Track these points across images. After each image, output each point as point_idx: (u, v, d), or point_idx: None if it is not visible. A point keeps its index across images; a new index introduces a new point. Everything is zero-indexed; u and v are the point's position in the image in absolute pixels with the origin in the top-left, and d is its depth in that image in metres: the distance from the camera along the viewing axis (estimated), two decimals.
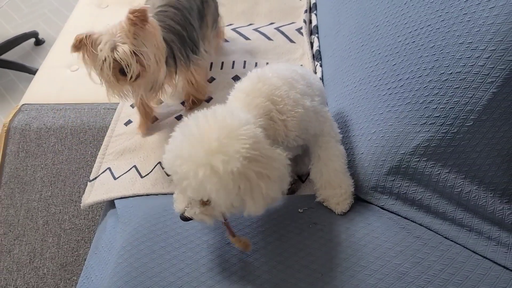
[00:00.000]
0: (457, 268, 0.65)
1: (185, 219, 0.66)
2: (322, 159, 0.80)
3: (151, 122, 1.14)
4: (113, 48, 0.85)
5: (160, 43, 0.91)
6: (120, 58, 0.85)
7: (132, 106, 1.20)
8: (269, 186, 0.62)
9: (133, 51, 0.86)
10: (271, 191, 0.63)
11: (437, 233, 0.72)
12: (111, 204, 0.97)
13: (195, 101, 1.16)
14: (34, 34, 2.30)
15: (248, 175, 0.60)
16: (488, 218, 0.68)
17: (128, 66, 0.87)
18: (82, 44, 0.87)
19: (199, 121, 0.63)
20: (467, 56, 0.65)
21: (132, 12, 0.85)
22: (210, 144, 0.59)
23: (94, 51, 0.86)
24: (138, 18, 0.86)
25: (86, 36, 0.86)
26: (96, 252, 0.88)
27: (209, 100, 1.19)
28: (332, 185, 0.79)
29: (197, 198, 0.62)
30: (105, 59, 0.86)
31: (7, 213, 1.13)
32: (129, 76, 0.88)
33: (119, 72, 0.89)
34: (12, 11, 2.56)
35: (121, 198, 0.96)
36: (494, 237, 0.67)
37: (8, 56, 2.22)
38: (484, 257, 0.67)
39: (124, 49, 0.85)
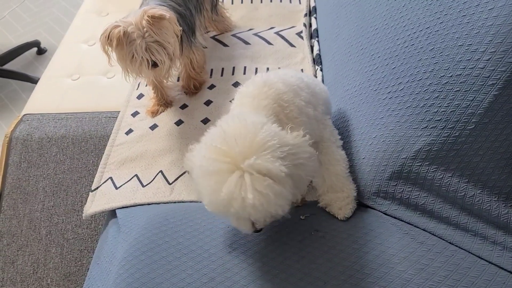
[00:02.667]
0: (463, 274, 0.64)
1: (258, 231, 0.68)
2: (324, 164, 0.80)
3: (165, 107, 1.18)
4: (147, 48, 0.92)
5: (177, 30, 0.96)
6: (156, 59, 0.93)
7: (138, 98, 1.25)
8: (305, 170, 0.64)
9: (162, 46, 0.93)
10: (309, 172, 0.66)
11: (441, 239, 0.71)
12: (113, 213, 0.97)
13: (197, 85, 1.20)
14: (36, 43, 2.31)
15: (289, 172, 0.60)
16: (493, 223, 0.67)
17: (162, 63, 0.95)
18: (118, 41, 0.91)
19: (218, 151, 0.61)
20: (467, 59, 0.64)
21: (151, 16, 0.90)
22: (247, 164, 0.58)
23: (125, 45, 0.92)
24: (156, 18, 0.91)
25: (123, 33, 0.90)
26: (98, 262, 0.88)
27: (211, 87, 1.22)
28: (334, 189, 0.79)
29: (267, 217, 0.63)
30: (142, 58, 0.93)
31: (10, 224, 1.13)
32: (162, 67, 0.96)
33: (151, 65, 0.95)
34: (14, 21, 2.58)
35: (123, 207, 0.95)
36: (499, 242, 0.66)
37: (11, 65, 2.23)
38: (490, 262, 0.66)
39: (158, 50, 0.92)
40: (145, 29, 0.91)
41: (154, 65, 0.96)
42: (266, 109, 0.70)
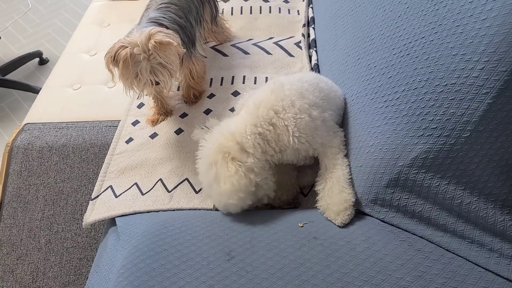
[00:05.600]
0: (460, 282, 0.64)
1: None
2: (329, 169, 0.85)
3: (165, 116, 1.20)
4: (151, 71, 0.94)
5: (181, 51, 0.98)
6: (159, 79, 0.96)
7: (139, 106, 1.28)
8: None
9: (165, 66, 0.95)
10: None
11: (438, 246, 0.71)
12: (112, 221, 0.97)
13: (196, 94, 1.22)
14: (38, 54, 2.33)
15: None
16: (490, 230, 0.67)
17: (165, 82, 0.98)
18: (124, 63, 0.92)
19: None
20: (461, 68, 0.65)
21: (159, 42, 0.92)
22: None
23: (131, 65, 0.93)
24: (162, 44, 0.93)
25: (129, 55, 0.92)
26: (97, 271, 0.88)
27: (211, 96, 1.24)
28: (333, 191, 0.82)
29: None
30: (146, 80, 0.95)
31: (9, 233, 1.13)
32: (164, 86, 1.00)
33: (153, 84, 0.98)
34: (16, 31, 2.61)
35: (122, 215, 0.96)
36: (496, 249, 0.66)
37: (13, 76, 2.26)
38: (487, 270, 0.66)
39: (162, 72, 0.95)
40: (150, 51, 0.92)
41: (157, 83, 0.98)
42: (258, 117, 0.82)
